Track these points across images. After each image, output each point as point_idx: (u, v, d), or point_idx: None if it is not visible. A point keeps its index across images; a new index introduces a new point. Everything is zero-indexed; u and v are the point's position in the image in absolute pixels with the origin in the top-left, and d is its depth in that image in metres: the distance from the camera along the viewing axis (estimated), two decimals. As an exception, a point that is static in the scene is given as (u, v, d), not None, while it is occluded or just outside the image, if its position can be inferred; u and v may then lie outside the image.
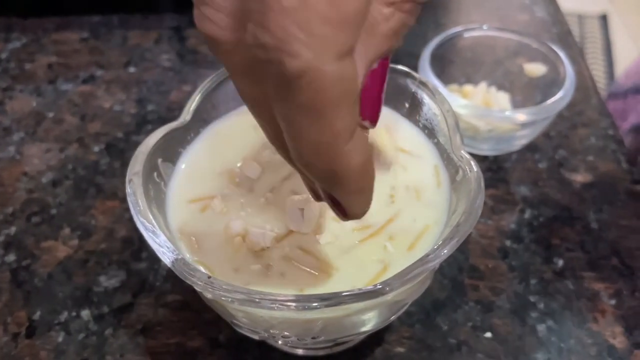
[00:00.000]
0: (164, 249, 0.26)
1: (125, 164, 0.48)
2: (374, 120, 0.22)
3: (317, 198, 0.25)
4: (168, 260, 0.26)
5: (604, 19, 1.92)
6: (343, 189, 0.22)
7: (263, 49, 0.17)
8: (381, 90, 0.22)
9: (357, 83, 0.19)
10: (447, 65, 0.52)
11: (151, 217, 0.27)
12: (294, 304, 0.24)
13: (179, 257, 0.26)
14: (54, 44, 0.61)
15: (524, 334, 0.37)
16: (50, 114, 0.53)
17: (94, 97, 0.55)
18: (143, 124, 0.52)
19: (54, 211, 0.45)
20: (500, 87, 0.53)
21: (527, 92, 0.51)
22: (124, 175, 0.47)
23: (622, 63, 1.73)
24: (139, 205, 0.27)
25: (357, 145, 0.20)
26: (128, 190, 0.28)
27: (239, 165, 0.33)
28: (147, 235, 0.26)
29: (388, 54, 0.21)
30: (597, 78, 1.68)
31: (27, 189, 0.47)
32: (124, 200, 0.45)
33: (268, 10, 0.17)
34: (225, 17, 0.19)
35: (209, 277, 0.25)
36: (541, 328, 0.38)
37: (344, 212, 0.24)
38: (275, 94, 0.19)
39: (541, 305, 0.39)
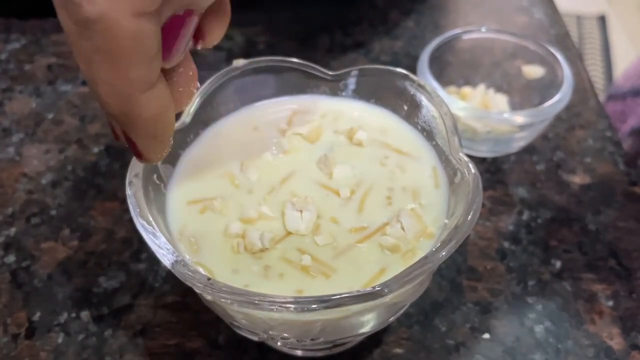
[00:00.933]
0: (163, 250, 0.26)
1: (124, 165, 0.48)
2: (167, 59, 0.23)
3: (116, 137, 0.26)
4: (168, 262, 0.26)
5: (602, 19, 1.92)
6: (136, 133, 0.24)
7: None
8: (178, 37, 0.23)
9: (155, 42, 0.21)
10: (445, 67, 0.52)
11: (151, 218, 0.27)
12: (292, 305, 0.24)
13: (179, 258, 0.26)
14: (53, 45, 0.61)
15: (522, 335, 0.38)
16: (50, 115, 0.54)
17: (93, 98, 0.55)
18: (142, 125, 0.52)
19: (53, 212, 0.45)
20: (499, 89, 0.53)
21: (525, 94, 0.51)
22: (123, 177, 0.47)
23: (621, 64, 1.74)
24: (138, 207, 0.27)
25: (154, 96, 0.22)
26: (128, 192, 0.28)
27: (238, 167, 0.33)
28: (147, 237, 0.26)
29: (193, 6, 0.23)
30: (595, 79, 1.68)
31: (26, 190, 0.47)
32: (123, 201, 0.45)
33: None
34: None
35: (209, 279, 0.25)
36: (539, 329, 0.38)
37: (139, 154, 0.26)
38: (76, 33, 0.20)
39: (539, 307, 0.39)
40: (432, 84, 0.45)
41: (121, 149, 0.50)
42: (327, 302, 0.24)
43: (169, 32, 0.23)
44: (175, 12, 0.22)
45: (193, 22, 0.24)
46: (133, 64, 0.21)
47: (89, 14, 0.19)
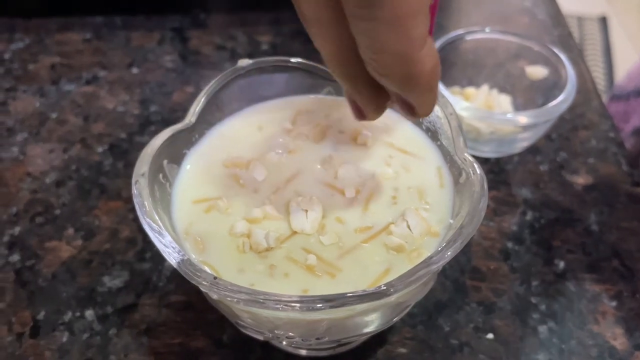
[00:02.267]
0: (169, 249, 0.26)
1: (128, 165, 0.49)
2: (430, 33, 0.25)
3: (360, 116, 0.29)
4: (174, 260, 0.26)
5: (603, 21, 1.92)
6: (418, 90, 0.25)
7: None
8: (435, 7, 0.26)
9: None
10: (449, 68, 0.52)
11: (157, 217, 0.27)
12: (298, 304, 0.24)
13: (185, 257, 0.26)
14: (57, 45, 0.62)
15: (526, 335, 0.38)
16: (54, 115, 0.54)
17: (97, 98, 0.55)
18: (146, 125, 0.52)
19: (57, 211, 0.45)
20: (502, 89, 0.53)
21: (529, 95, 0.51)
22: (127, 176, 0.48)
23: (622, 65, 1.74)
24: (145, 206, 0.27)
25: (429, 50, 0.23)
26: (134, 191, 0.28)
27: (243, 166, 0.33)
28: (153, 236, 0.27)
29: None
30: (596, 80, 1.68)
31: (30, 189, 0.47)
32: (127, 200, 0.46)
33: None
34: None
35: (215, 278, 0.25)
36: (542, 329, 0.38)
37: (414, 112, 0.27)
38: (357, 12, 0.21)
39: (542, 307, 0.39)
40: None
41: (125, 149, 0.50)
42: (332, 301, 0.24)
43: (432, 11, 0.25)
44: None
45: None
46: (416, 23, 0.22)
47: None
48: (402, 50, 0.22)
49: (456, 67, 0.53)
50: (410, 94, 0.25)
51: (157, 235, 0.27)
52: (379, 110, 0.29)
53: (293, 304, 0.24)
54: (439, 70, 0.25)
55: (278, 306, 0.24)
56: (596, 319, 0.39)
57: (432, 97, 0.26)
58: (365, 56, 0.24)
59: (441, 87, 0.45)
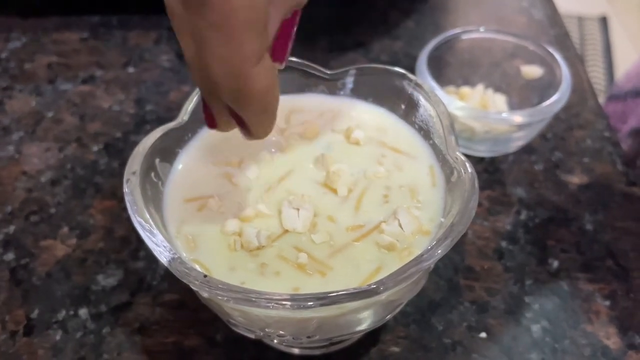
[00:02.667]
0: (160, 248, 0.26)
1: (123, 164, 0.48)
2: (282, 61, 0.26)
3: (211, 125, 0.28)
4: (165, 259, 0.26)
5: (603, 21, 1.92)
6: (248, 109, 0.25)
7: None
8: (290, 37, 0.25)
9: (265, 13, 0.22)
10: (444, 67, 0.52)
11: (148, 216, 0.28)
12: (289, 302, 0.24)
13: (176, 256, 0.26)
14: (53, 44, 0.62)
15: (519, 334, 0.38)
16: (50, 114, 0.54)
17: (93, 97, 0.55)
18: (142, 124, 0.52)
19: (52, 210, 0.45)
20: (497, 89, 0.53)
21: (524, 94, 0.51)
22: (122, 175, 0.47)
23: (622, 65, 1.73)
24: (136, 204, 0.27)
25: (263, 70, 0.23)
26: (125, 189, 0.28)
27: (235, 165, 0.33)
28: (144, 235, 0.27)
29: (299, 7, 0.25)
30: (596, 80, 1.68)
31: (26, 188, 0.47)
32: (122, 199, 0.46)
33: None
34: None
35: (205, 276, 0.25)
36: (536, 328, 0.38)
37: (248, 132, 0.27)
38: (192, 9, 0.21)
39: (536, 306, 0.39)
40: (431, 83, 0.46)
41: (120, 148, 0.50)
42: (323, 299, 0.24)
43: (283, 36, 0.25)
44: (285, 16, 0.24)
45: (297, 20, 0.25)
46: (248, 37, 0.22)
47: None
48: (230, 62, 0.22)
49: (451, 66, 0.53)
50: (241, 111, 0.25)
51: (148, 233, 0.27)
52: (230, 123, 0.27)
53: (284, 302, 0.24)
54: (275, 94, 0.25)
55: (269, 304, 0.24)
56: (590, 319, 0.39)
57: (267, 120, 0.26)
58: (201, 62, 0.23)
59: (435, 86, 0.45)
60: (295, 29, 0.26)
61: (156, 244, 0.26)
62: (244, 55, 0.22)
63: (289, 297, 0.24)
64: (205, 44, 0.22)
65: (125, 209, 0.44)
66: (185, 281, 0.25)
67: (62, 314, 0.39)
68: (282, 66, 0.26)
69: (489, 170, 0.48)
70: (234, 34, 0.21)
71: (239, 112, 0.25)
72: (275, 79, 0.25)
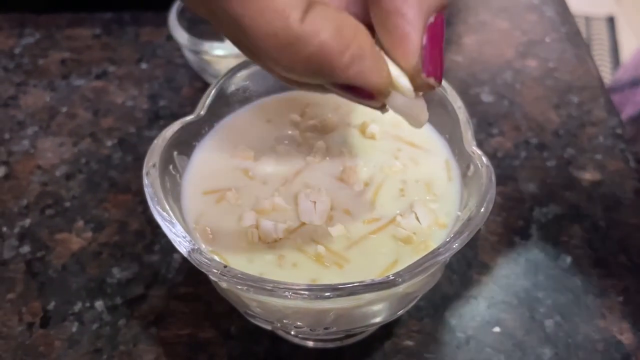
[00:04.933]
0: (180, 238, 0.27)
1: (137, 159, 0.49)
2: (438, 77, 0.22)
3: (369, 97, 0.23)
4: (184, 249, 0.26)
5: (611, 20, 1.92)
6: (338, 66, 0.20)
7: None
8: (441, 44, 0.22)
9: None
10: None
11: (167, 208, 0.28)
12: (307, 292, 0.24)
13: (195, 247, 0.26)
14: (67, 40, 0.62)
15: (532, 329, 0.38)
16: (64, 109, 0.54)
17: (106, 93, 0.56)
18: (155, 120, 0.53)
19: (67, 204, 0.46)
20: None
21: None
22: (136, 170, 0.48)
23: (624, 62, 1.73)
24: (156, 196, 0.28)
25: (315, 21, 0.19)
26: (145, 181, 0.28)
27: (252, 158, 0.34)
28: (164, 225, 0.27)
29: (443, 8, 0.21)
30: (604, 80, 1.67)
31: (41, 182, 0.47)
32: (136, 193, 0.46)
33: None
34: None
35: (225, 267, 0.25)
36: (549, 323, 0.38)
37: (368, 95, 0.22)
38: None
39: (549, 301, 0.39)
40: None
41: (134, 143, 0.50)
42: (340, 290, 0.25)
43: (431, 42, 0.21)
44: (427, 20, 0.21)
45: (443, 24, 0.22)
46: None
47: None
48: (275, 28, 0.19)
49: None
50: (334, 77, 0.20)
51: (168, 224, 0.27)
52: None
53: (302, 292, 0.24)
54: (348, 33, 0.20)
55: (287, 294, 0.24)
56: (603, 314, 0.39)
57: (370, 66, 0.21)
58: (257, 56, 0.21)
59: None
60: (443, 35, 0.22)
61: (176, 235, 0.27)
62: (284, 14, 0.19)
63: (306, 287, 0.25)
64: (242, 25, 0.19)
65: (139, 202, 0.45)
66: (204, 271, 0.26)
67: (78, 306, 0.39)
68: (439, 85, 0.22)
69: (502, 167, 0.48)
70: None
71: (335, 81, 0.21)
72: (343, 23, 0.20)
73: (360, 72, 0.20)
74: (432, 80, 0.22)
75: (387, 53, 0.22)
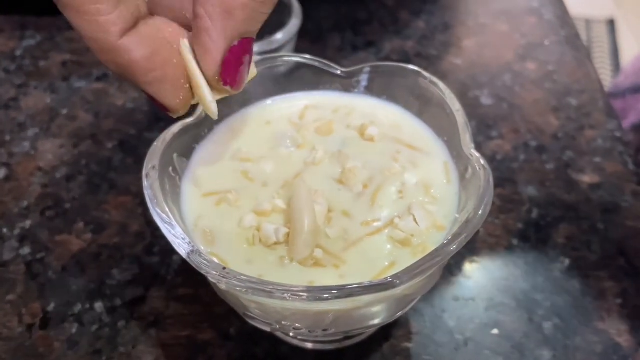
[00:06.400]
0: (179, 240, 0.27)
1: (138, 161, 0.49)
2: (234, 85, 0.27)
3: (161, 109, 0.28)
4: (184, 251, 0.26)
5: (611, 23, 1.92)
6: (138, 81, 0.25)
7: None
8: (241, 62, 0.26)
9: None
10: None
11: (167, 209, 0.28)
12: (305, 294, 0.25)
13: (195, 248, 0.26)
14: (67, 42, 0.62)
15: (530, 331, 0.38)
16: (64, 111, 0.54)
17: (107, 95, 0.56)
18: (155, 122, 0.53)
19: (67, 205, 0.46)
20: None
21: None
22: (136, 172, 0.48)
23: (625, 67, 1.73)
24: (155, 198, 0.28)
25: (137, 39, 0.24)
26: (145, 183, 0.28)
27: (251, 160, 0.34)
28: (163, 227, 0.27)
29: (248, 35, 0.25)
30: (604, 83, 1.67)
31: (41, 183, 0.48)
32: (136, 195, 0.46)
33: None
34: None
35: (224, 268, 0.25)
36: (547, 326, 0.38)
37: (162, 107, 0.27)
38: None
39: (547, 304, 0.39)
40: None
41: (134, 145, 0.51)
42: (339, 291, 0.25)
43: (231, 61, 0.25)
44: (231, 42, 0.25)
45: (251, 46, 0.26)
46: (99, 9, 0.22)
47: None
48: (94, 38, 0.23)
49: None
50: (138, 85, 0.25)
51: (167, 226, 0.27)
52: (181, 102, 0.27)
53: (300, 294, 0.24)
54: (161, 60, 0.25)
55: (285, 295, 0.24)
56: (601, 316, 0.39)
57: (169, 90, 0.26)
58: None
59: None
60: (248, 57, 0.26)
61: (175, 237, 0.27)
62: (104, 28, 0.23)
63: (305, 288, 0.25)
64: (74, 27, 0.23)
65: (139, 204, 0.45)
66: (203, 273, 0.26)
67: (77, 308, 0.39)
68: (238, 90, 0.27)
69: (500, 169, 0.48)
70: (84, 10, 0.22)
71: (138, 87, 0.25)
72: (159, 48, 0.25)
73: (158, 92, 0.26)
74: (228, 88, 0.27)
75: (197, 59, 0.26)
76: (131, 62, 0.24)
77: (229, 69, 0.26)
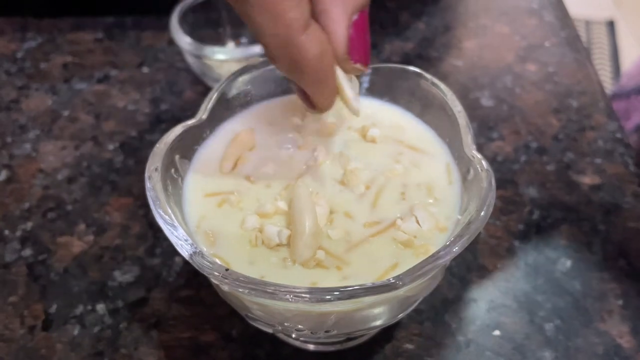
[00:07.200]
0: (182, 242, 0.27)
1: (139, 162, 0.49)
2: (364, 62, 0.28)
3: (310, 106, 0.30)
4: (186, 253, 0.26)
5: (611, 24, 1.92)
6: (305, 78, 0.26)
7: None
8: (365, 36, 0.27)
9: None
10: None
11: (169, 211, 0.28)
12: (308, 295, 0.25)
13: (197, 250, 0.26)
14: (68, 44, 0.62)
15: (532, 332, 0.38)
16: (66, 113, 0.54)
17: (108, 97, 0.56)
18: (157, 123, 0.53)
19: (69, 207, 0.46)
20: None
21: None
22: (138, 173, 0.48)
23: (629, 68, 1.73)
24: (158, 199, 0.28)
25: (311, 37, 0.25)
26: (148, 185, 0.28)
27: (254, 162, 0.34)
28: (166, 229, 0.27)
29: (364, 7, 0.26)
30: (604, 84, 1.67)
31: (42, 185, 0.48)
32: (138, 197, 0.46)
33: None
34: None
35: (227, 270, 0.25)
36: (549, 327, 0.38)
37: (312, 105, 0.28)
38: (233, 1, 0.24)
39: (549, 305, 0.39)
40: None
41: (136, 147, 0.51)
42: (341, 292, 0.25)
43: (356, 36, 0.26)
44: (351, 20, 0.26)
45: (367, 19, 0.27)
46: (286, 6, 0.23)
47: None
48: (277, 32, 0.24)
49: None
50: (299, 82, 0.27)
51: (170, 227, 0.27)
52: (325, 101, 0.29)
53: (303, 295, 0.24)
54: (327, 63, 0.26)
55: (288, 297, 0.24)
56: (602, 317, 0.39)
57: (325, 90, 0.27)
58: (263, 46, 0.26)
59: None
60: (367, 29, 0.27)
61: (178, 238, 0.27)
62: (288, 25, 0.24)
63: (307, 290, 0.25)
64: (253, 24, 0.24)
65: (140, 206, 0.45)
66: (206, 274, 0.26)
67: (79, 309, 0.39)
68: (366, 69, 0.28)
69: (501, 170, 0.48)
70: (276, 6, 0.23)
71: (298, 83, 0.27)
72: (326, 50, 0.26)
73: (318, 91, 0.27)
74: (359, 66, 0.27)
75: None
76: (306, 59, 0.25)
77: (356, 45, 0.26)
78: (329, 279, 0.29)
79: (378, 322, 0.31)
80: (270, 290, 0.25)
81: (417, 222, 0.30)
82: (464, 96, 0.55)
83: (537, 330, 0.38)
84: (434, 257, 0.26)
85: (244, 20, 0.25)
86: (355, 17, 0.26)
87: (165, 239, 0.27)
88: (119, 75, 0.58)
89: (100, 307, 0.39)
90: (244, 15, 0.24)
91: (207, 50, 0.50)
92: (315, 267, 0.29)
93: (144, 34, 0.64)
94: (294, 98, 0.38)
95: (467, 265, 0.42)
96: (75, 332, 0.38)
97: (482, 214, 0.27)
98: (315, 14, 0.26)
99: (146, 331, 0.38)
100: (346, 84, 0.29)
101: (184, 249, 0.26)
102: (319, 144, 0.35)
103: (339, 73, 0.28)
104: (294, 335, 0.32)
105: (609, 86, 1.68)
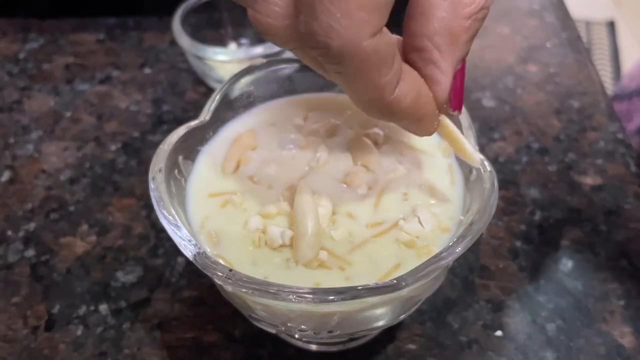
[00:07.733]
0: (185, 242, 0.27)
1: (141, 163, 0.49)
2: (460, 109, 0.28)
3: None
4: (190, 253, 0.26)
5: (611, 25, 1.92)
6: (406, 123, 0.26)
7: (313, 36, 0.22)
8: (462, 85, 0.28)
9: (392, 47, 0.23)
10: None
11: (173, 212, 0.28)
12: (311, 295, 0.25)
13: (200, 250, 0.26)
14: (71, 45, 0.62)
15: (534, 332, 0.38)
16: (68, 114, 0.54)
17: (110, 98, 0.56)
18: (159, 124, 0.53)
19: (72, 208, 0.46)
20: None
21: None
22: (140, 174, 0.48)
23: (630, 69, 1.73)
24: (162, 200, 0.28)
25: (403, 90, 0.24)
26: (151, 186, 0.28)
27: (257, 162, 0.34)
28: (169, 229, 0.27)
29: (466, 55, 0.27)
30: (604, 85, 1.67)
31: (45, 186, 0.48)
32: (140, 198, 0.46)
33: (317, 2, 0.21)
34: (280, 10, 0.23)
35: (231, 270, 0.25)
36: (550, 327, 0.38)
37: (416, 134, 0.28)
38: (328, 67, 0.23)
39: (550, 305, 0.39)
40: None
41: (138, 147, 0.51)
42: (344, 293, 0.25)
43: (457, 86, 0.27)
44: (456, 68, 0.26)
45: (464, 69, 0.27)
46: (381, 73, 0.23)
47: (338, 49, 0.22)
48: (372, 97, 0.24)
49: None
50: (402, 126, 0.27)
51: (173, 228, 0.27)
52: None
53: (306, 295, 0.25)
54: (423, 100, 0.25)
55: (291, 297, 0.25)
56: (604, 318, 0.39)
57: (428, 123, 0.27)
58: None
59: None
60: (464, 76, 0.27)
61: (181, 238, 0.27)
62: (382, 88, 0.23)
63: (310, 290, 0.25)
64: (348, 90, 0.24)
65: (143, 206, 0.45)
66: (209, 274, 0.26)
67: (82, 310, 0.39)
68: (459, 113, 0.29)
69: (503, 171, 0.49)
70: (369, 77, 0.23)
71: (399, 124, 0.27)
72: (419, 88, 0.25)
73: (420, 126, 0.27)
74: (455, 113, 0.28)
75: None
76: (403, 109, 0.25)
77: (455, 93, 0.27)
78: (332, 280, 0.29)
79: (380, 323, 0.31)
80: (273, 291, 0.25)
81: (420, 222, 0.30)
82: (465, 97, 0.55)
83: (539, 330, 0.38)
84: (437, 257, 0.26)
85: (338, 83, 0.25)
86: (458, 66, 0.26)
87: (168, 239, 0.27)
88: (121, 76, 0.59)
89: (103, 308, 0.40)
90: (336, 80, 0.24)
91: (209, 51, 0.51)
92: (318, 267, 0.29)
93: (146, 34, 0.64)
94: (296, 99, 0.38)
95: (469, 266, 0.42)
96: (79, 332, 0.38)
97: (485, 214, 0.27)
98: (418, 61, 0.25)
99: (149, 331, 0.38)
100: (459, 133, 0.29)
101: (188, 250, 0.27)
102: (322, 144, 0.35)
103: (449, 122, 0.28)
104: (296, 336, 0.32)
105: (609, 87, 1.68)
